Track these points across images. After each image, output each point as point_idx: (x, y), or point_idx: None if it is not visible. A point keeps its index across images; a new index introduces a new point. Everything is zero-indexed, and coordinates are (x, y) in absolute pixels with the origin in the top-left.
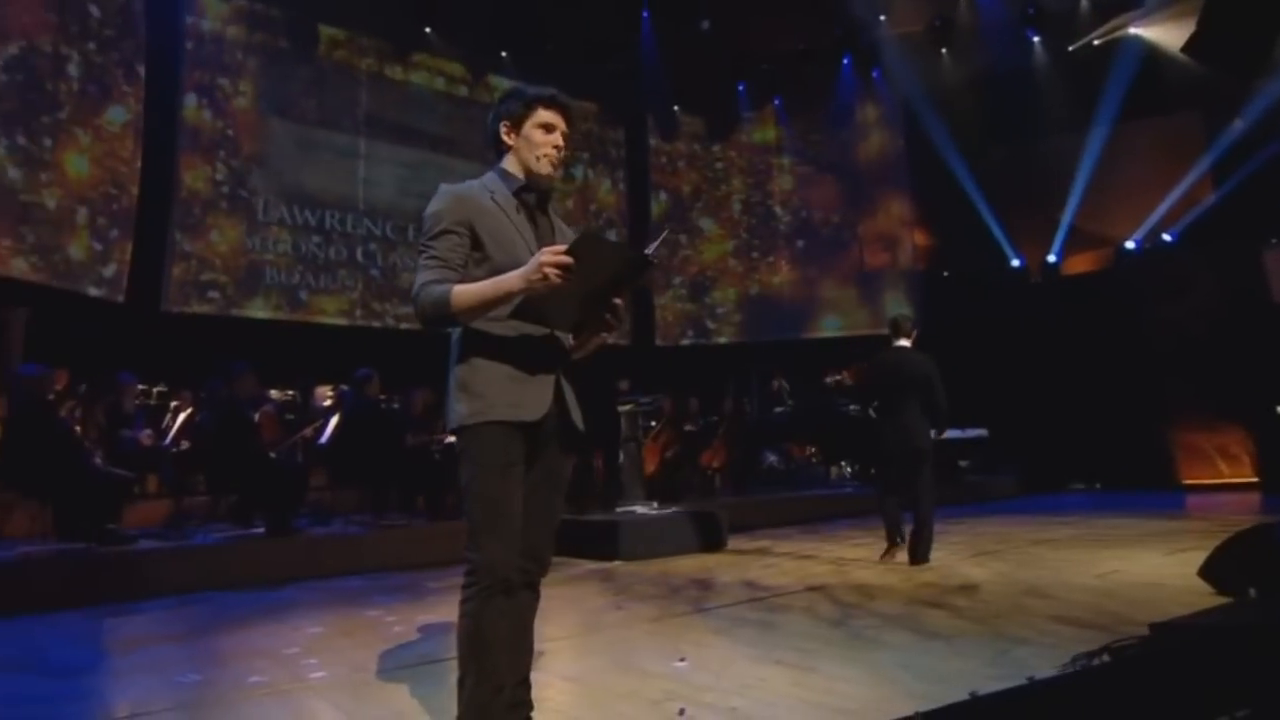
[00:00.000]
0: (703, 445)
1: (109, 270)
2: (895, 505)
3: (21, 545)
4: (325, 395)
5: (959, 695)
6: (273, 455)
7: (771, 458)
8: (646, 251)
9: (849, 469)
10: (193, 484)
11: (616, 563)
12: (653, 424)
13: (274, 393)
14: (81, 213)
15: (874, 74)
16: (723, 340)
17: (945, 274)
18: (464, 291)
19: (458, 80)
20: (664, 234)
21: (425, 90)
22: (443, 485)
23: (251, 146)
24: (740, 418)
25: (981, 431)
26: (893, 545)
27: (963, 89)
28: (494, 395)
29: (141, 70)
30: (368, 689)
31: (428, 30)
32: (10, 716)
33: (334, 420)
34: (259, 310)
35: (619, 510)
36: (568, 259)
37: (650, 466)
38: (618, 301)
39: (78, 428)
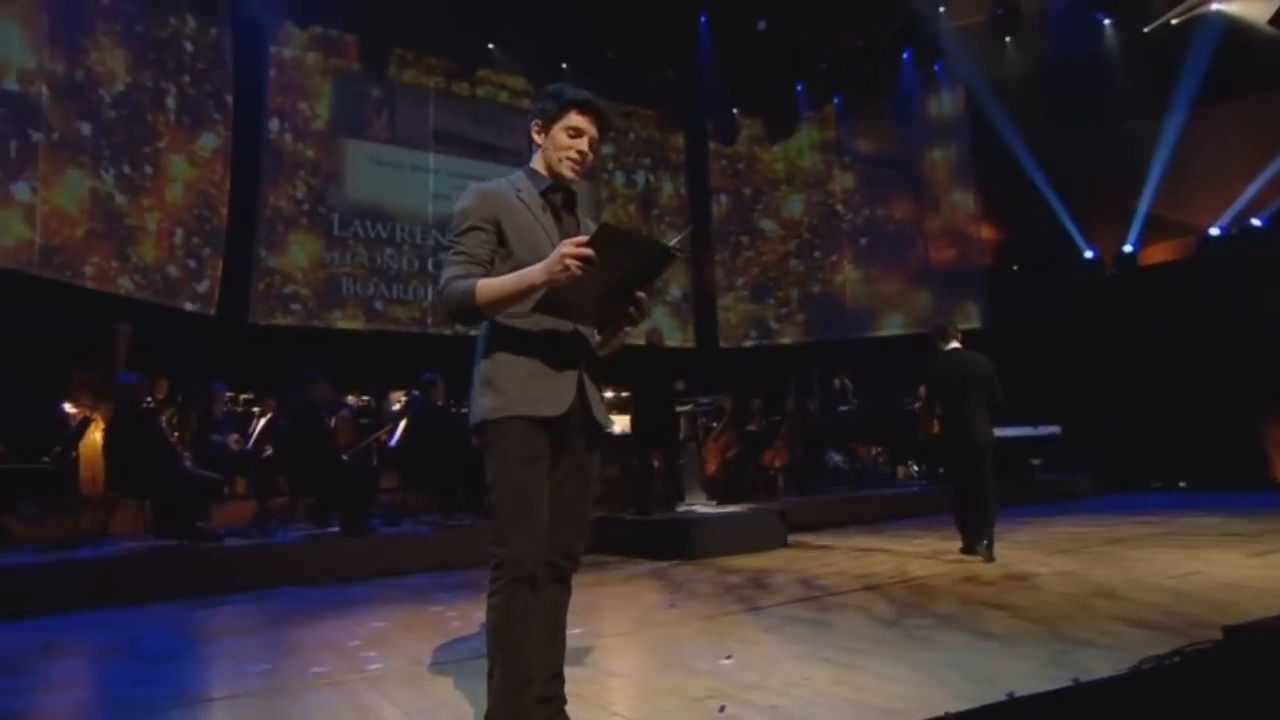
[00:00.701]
0: (765, 445)
1: (202, 286)
2: (966, 502)
3: (125, 542)
4: (396, 400)
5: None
6: (345, 458)
7: (836, 457)
8: (670, 244)
9: (916, 468)
10: (276, 486)
11: (675, 562)
12: (714, 424)
13: (351, 398)
14: (178, 234)
15: (936, 67)
16: (786, 340)
17: (1015, 268)
18: (487, 285)
19: (520, 93)
20: (689, 229)
21: (490, 104)
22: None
23: (328, 165)
24: (802, 417)
25: (1054, 429)
26: (968, 541)
27: (1029, 77)
28: (516, 391)
29: (229, 99)
30: (420, 681)
31: (491, 46)
32: (103, 697)
33: (403, 424)
34: (337, 320)
35: (679, 510)
36: (589, 250)
37: (711, 466)
38: (640, 295)
39: (175, 433)
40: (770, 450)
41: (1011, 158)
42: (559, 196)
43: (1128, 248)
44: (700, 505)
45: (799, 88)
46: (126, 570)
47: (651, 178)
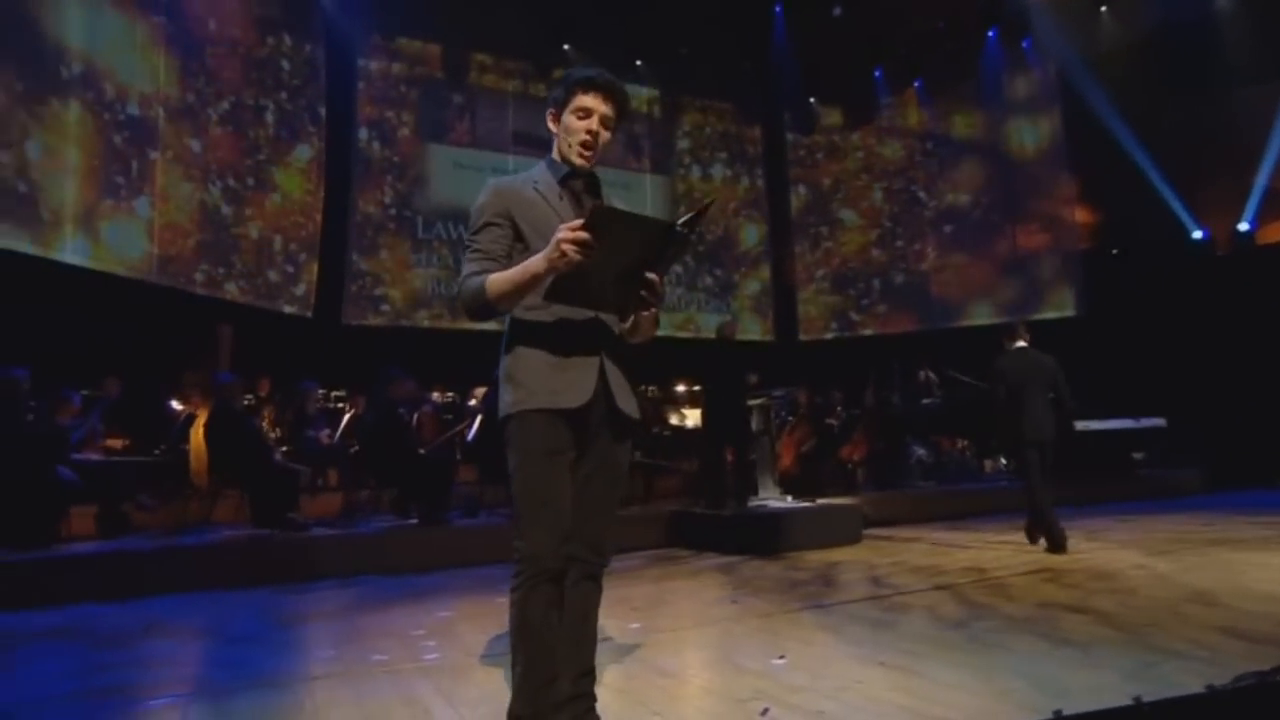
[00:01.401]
0: (843, 439)
1: (299, 289)
2: (1047, 495)
3: (226, 530)
4: (476, 396)
5: (1074, 710)
6: (422, 452)
7: (920, 451)
8: (676, 222)
9: (1005, 462)
10: (364, 479)
11: (745, 557)
12: (789, 418)
13: (435, 395)
14: (277, 240)
15: (1024, 44)
16: (868, 332)
17: (1115, 251)
18: (496, 279)
19: None
20: (708, 203)
21: None
22: None
23: (413, 171)
24: (881, 410)
25: (1158, 421)
26: (1050, 533)
27: (1129, 48)
28: (535, 383)
29: (323, 112)
30: (470, 672)
31: (566, 47)
32: (184, 675)
33: (479, 419)
34: (423, 319)
35: (752, 504)
36: (584, 234)
37: (786, 460)
38: (651, 277)
39: (277, 429)
40: (848, 444)
41: (1110, 135)
42: (580, 183)
43: (1243, 226)
44: (773, 500)
45: (878, 73)
46: (225, 557)
47: (728, 171)
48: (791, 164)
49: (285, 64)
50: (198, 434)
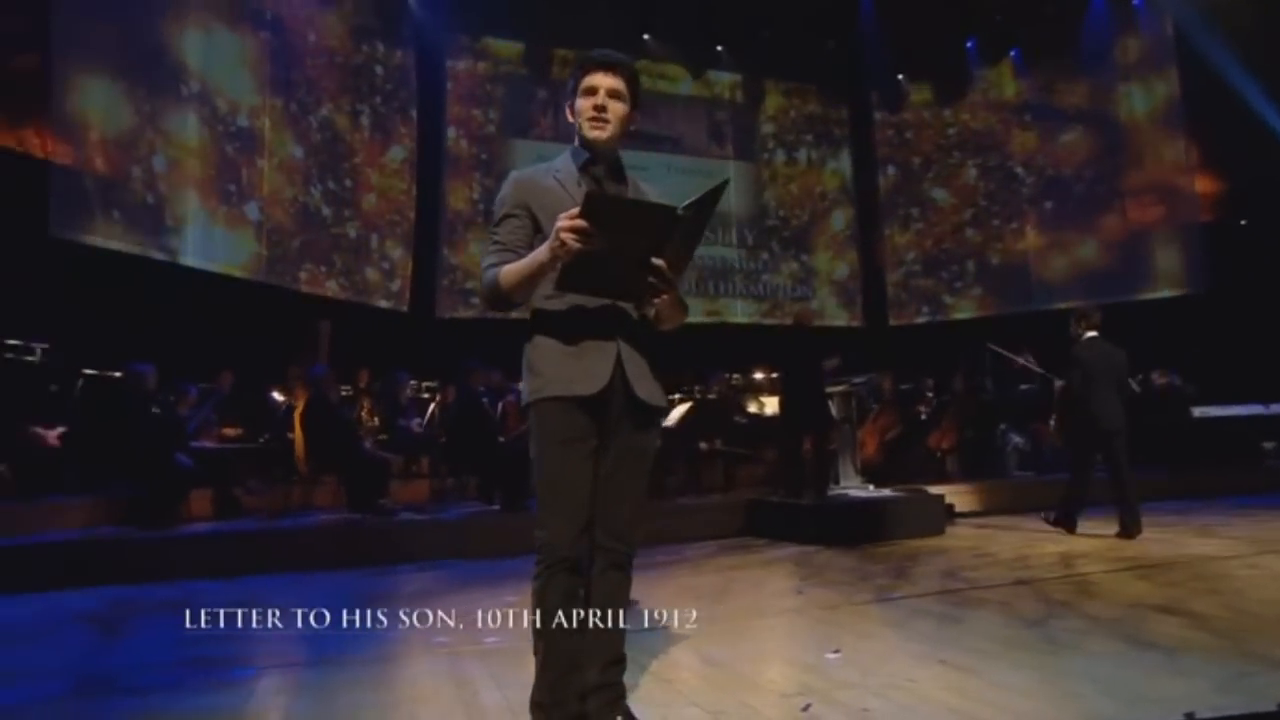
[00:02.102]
0: (931, 426)
1: (395, 285)
2: (1084, 486)
3: (323, 514)
4: None
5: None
6: (501, 440)
7: (1016, 439)
8: (680, 205)
9: None
10: (449, 466)
11: (820, 547)
12: (874, 405)
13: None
14: (373, 239)
15: (1135, 2)
16: (962, 316)
17: (1243, 223)
18: (508, 270)
19: (678, 80)
20: (718, 185)
21: (648, 94)
22: (655, 467)
23: (499, 166)
24: (972, 397)
25: None
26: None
27: None
28: (551, 372)
29: (414, 113)
30: (524, 657)
31: (646, 37)
32: (261, 651)
33: None
34: (512, 312)
35: (831, 493)
36: (580, 222)
37: (870, 448)
38: (657, 262)
39: (375, 419)
40: (937, 431)
41: (1234, 95)
42: (601, 168)
43: None
44: (855, 488)
45: (970, 45)
46: (320, 540)
47: (814, 154)
48: (880, 144)
49: (379, 69)
50: (298, 424)
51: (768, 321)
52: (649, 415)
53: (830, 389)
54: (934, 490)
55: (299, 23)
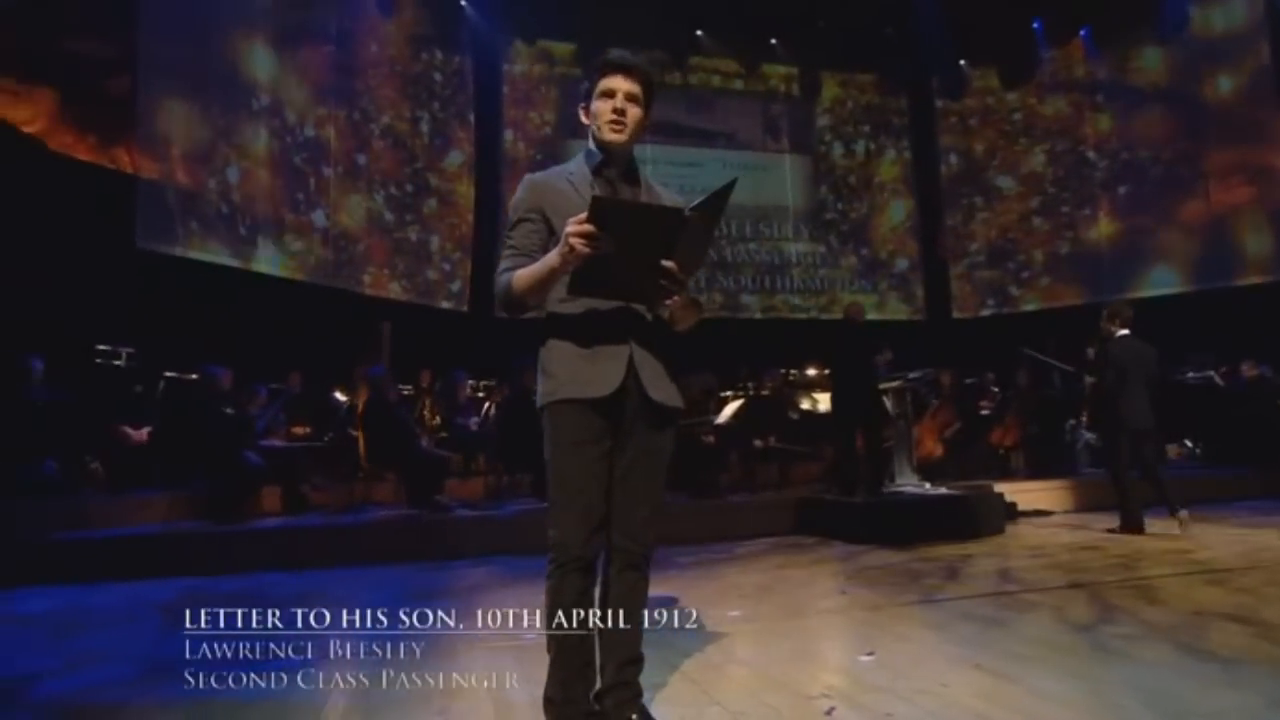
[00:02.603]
0: (993, 422)
1: (455, 286)
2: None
3: (383, 510)
4: None
5: None
6: None
7: (1088, 435)
8: (688, 208)
9: (1196, 448)
10: (507, 464)
11: (872, 546)
12: (932, 400)
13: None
14: (434, 241)
15: None
16: (1030, 307)
17: None
18: (521, 275)
19: (732, 75)
20: (726, 185)
21: (702, 90)
22: (708, 465)
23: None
24: (1034, 391)
25: None
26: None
27: None
28: (564, 374)
29: (471, 117)
30: None
31: (699, 33)
32: (313, 638)
33: None
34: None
35: (886, 491)
36: (587, 227)
37: (927, 445)
38: (667, 264)
39: (435, 417)
40: (999, 428)
41: None
42: (614, 170)
43: None
44: (910, 486)
45: (1036, 25)
46: (379, 535)
47: (872, 145)
48: (941, 132)
49: (437, 76)
50: (359, 422)
51: (825, 316)
52: (664, 416)
53: (884, 384)
54: (997, 488)
55: (361, 35)
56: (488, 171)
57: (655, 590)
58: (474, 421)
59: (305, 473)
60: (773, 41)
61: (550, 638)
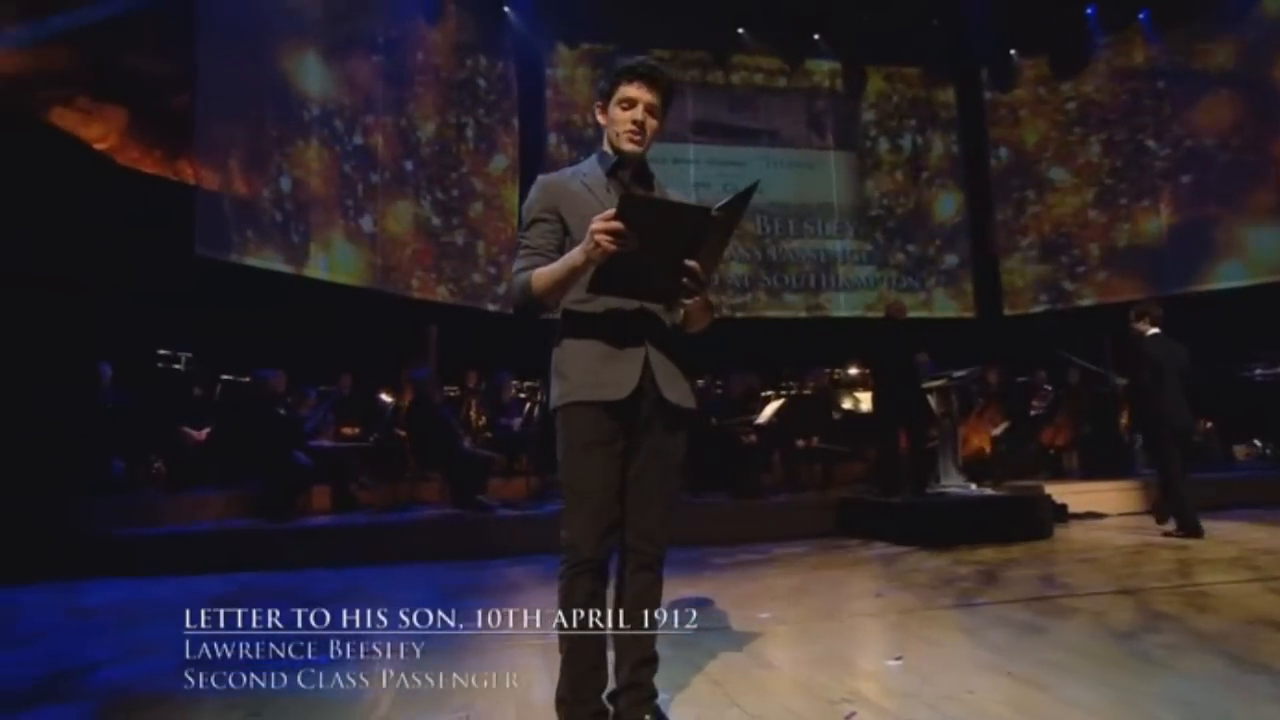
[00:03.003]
0: (1044, 421)
1: (501, 288)
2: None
3: (426, 509)
4: None
5: None
6: None
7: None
8: (713, 207)
9: (1266, 448)
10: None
11: (913, 548)
12: (980, 399)
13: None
14: (480, 245)
15: None
16: (1085, 303)
17: None
18: (540, 274)
19: (775, 73)
20: (750, 186)
21: (745, 88)
22: (748, 465)
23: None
24: (1086, 389)
25: None
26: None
27: None
28: (578, 376)
29: (515, 122)
30: None
31: (740, 31)
32: (347, 633)
33: None
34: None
35: (930, 492)
36: (615, 224)
37: (974, 445)
38: (690, 264)
39: (481, 418)
40: (1050, 427)
41: None
42: (627, 173)
43: None
44: (955, 487)
45: (1090, 11)
46: (421, 533)
47: (919, 139)
48: (990, 124)
49: (481, 82)
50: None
51: (871, 315)
52: (679, 418)
53: (928, 383)
54: (1047, 490)
55: (407, 44)
56: (532, 175)
57: (689, 591)
58: (517, 422)
59: (353, 472)
60: (815, 37)
61: (562, 640)
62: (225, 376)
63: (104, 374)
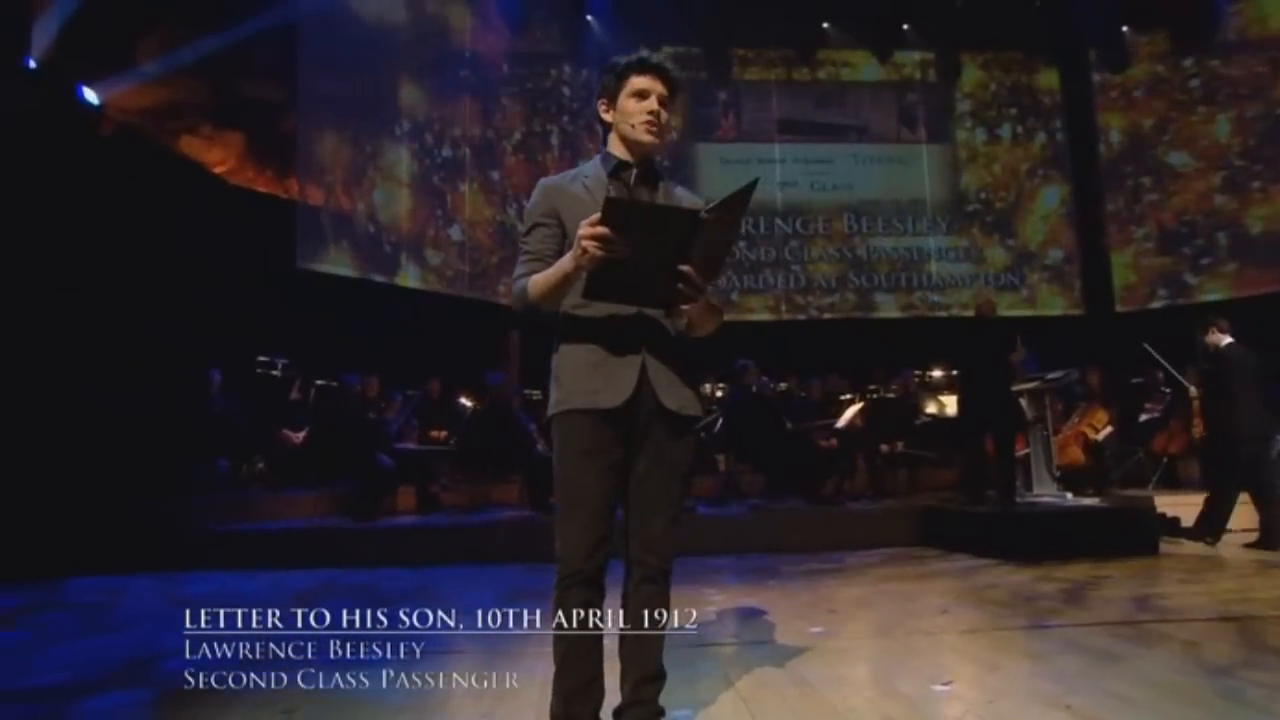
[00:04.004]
0: (1156, 427)
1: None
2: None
3: (505, 511)
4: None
5: None
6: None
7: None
8: (704, 209)
9: None
10: None
11: (997, 561)
12: (1081, 403)
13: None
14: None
15: None
16: (1213, 297)
17: None
18: (536, 280)
19: (861, 66)
20: (747, 185)
21: (832, 84)
22: (825, 470)
23: (682, 172)
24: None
25: None
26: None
27: None
28: (575, 383)
29: (599, 128)
30: (610, 659)
31: (825, 26)
32: (402, 632)
33: (719, 420)
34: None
35: (1020, 501)
36: (601, 229)
37: (1073, 453)
38: (684, 269)
39: None
40: (1163, 433)
41: None
42: (632, 174)
43: None
44: (1048, 496)
45: None
46: (495, 535)
47: (1019, 128)
48: (1100, 108)
49: (565, 90)
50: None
51: (968, 314)
52: (680, 425)
53: (1020, 386)
54: (1158, 500)
55: (494, 57)
56: None
57: (748, 600)
58: None
59: (436, 474)
60: (905, 27)
61: (555, 652)
62: (319, 382)
63: (213, 380)
